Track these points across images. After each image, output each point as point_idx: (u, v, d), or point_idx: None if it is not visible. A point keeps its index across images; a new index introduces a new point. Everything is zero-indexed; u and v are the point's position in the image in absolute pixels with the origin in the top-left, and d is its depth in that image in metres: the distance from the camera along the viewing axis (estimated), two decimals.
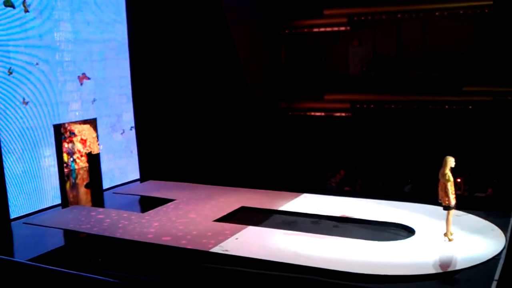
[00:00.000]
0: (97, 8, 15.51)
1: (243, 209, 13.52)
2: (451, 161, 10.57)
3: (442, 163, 10.62)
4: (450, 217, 10.65)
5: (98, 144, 15.05)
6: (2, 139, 12.89)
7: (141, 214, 13.40)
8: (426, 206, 12.81)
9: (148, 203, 14.32)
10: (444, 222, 10.80)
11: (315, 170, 17.26)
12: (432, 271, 9.51)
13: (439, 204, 10.90)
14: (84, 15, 15.08)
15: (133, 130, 17.01)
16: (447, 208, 10.63)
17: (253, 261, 10.15)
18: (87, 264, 9.67)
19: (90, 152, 16.12)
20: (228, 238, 11.27)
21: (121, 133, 16.61)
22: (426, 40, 18.73)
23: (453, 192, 10.59)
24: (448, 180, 10.50)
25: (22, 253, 11.13)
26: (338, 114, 19.32)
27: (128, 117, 16.88)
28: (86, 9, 15.14)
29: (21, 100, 13.37)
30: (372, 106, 18.70)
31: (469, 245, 10.50)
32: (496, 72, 17.16)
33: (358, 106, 18.87)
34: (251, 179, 15.27)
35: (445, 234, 10.76)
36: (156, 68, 17.58)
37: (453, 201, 10.59)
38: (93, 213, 13.47)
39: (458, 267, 9.58)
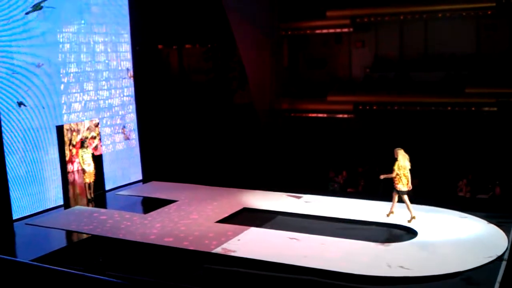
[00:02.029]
0: (100, 10, 15.52)
1: (245, 210, 13.52)
2: None
3: (396, 156, 11.81)
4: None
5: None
6: (4, 140, 12.91)
7: (143, 215, 13.41)
8: (428, 207, 12.80)
9: (150, 204, 14.33)
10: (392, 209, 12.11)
11: (317, 171, 17.25)
12: (434, 272, 9.48)
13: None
14: (87, 17, 15.09)
15: (136, 132, 17.02)
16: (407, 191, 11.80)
17: (255, 262, 10.15)
18: (95, 262, 9.67)
19: (93, 153, 16.11)
20: (230, 239, 11.27)
21: (124, 135, 16.63)
22: (429, 41, 18.71)
23: None
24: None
25: (25, 253, 11.15)
26: (340, 115, 19.29)
27: (131, 118, 16.88)
28: (89, 11, 15.15)
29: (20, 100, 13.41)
30: (374, 107, 18.67)
31: (472, 247, 10.49)
32: (499, 73, 17.13)
33: (360, 107, 18.84)
34: (254, 180, 15.27)
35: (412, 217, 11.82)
36: (159, 70, 17.62)
37: None
38: (96, 214, 13.49)
39: (461, 268, 9.56)
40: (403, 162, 11.76)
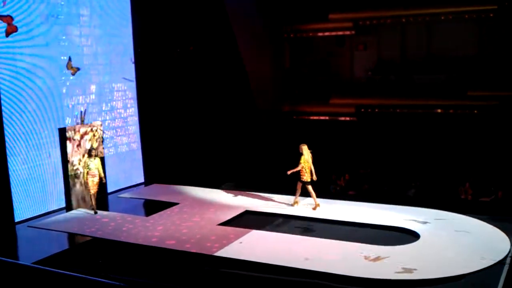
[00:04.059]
0: (103, 12, 15.55)
1: (247, 213, 13.51)
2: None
3: (301, 151, 13.25)
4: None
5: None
6: (7, 143, 12.92)
7: (145, 217, 13.41)
8: (430, 210, 12.79)
9: (152, 207, 14.33)
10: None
11: (319, 174, 17.20)
12: (437, 275, 9.46)
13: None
14: (89, 19, 15.11)
15: (138, 134, 17.04)
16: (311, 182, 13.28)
17: (257, 265, 10.14)
18: (96, 264, 9.69)
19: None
20: (232, 242, 11.26)
21: (126, 137, 16.65)
22: (431, 44, 18.70)
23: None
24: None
25: (27, 256, 11.15)
26: (343, 118, 19.29)
27: (133, 121, 16.90)
28: (92, 13, 15.18)
29: (28, 103, 13.43)
30: (377, 110, 18.66)
31: (474, 250, 10.46)
32: (501, 76, 17.11)
33: (363, 110, 18.83)
34: (255, 182, 15.26)
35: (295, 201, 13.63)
36: (161, 72, 17.63)
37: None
38: (98, 217, 13.48)
39: (464, 271, 9.53)
40: (307, 156, 13.25)
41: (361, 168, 17.26)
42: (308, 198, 14.00)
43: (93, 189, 13.57)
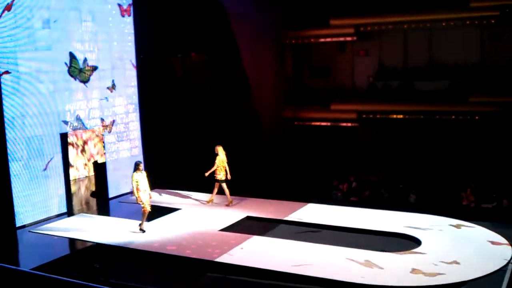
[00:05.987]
0: (105, 18, 15.57)
1: (248, 219, 13.49)
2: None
3: (216, 152, 14.10)
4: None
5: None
6: (8, 148, 12.92)
7: (146, 223, 13.36)
8: (432, 216, 12.77)
9: (153, 212, 14.26)
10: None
11: (321, 180, 17.21)
12: (438, 282, 9.44)
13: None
14: (91, 25, 15.14)
15: (140, 140, 17.03)
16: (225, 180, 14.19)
17: (258, 271, 10.12)
18: (91, 269, 9.68)
19: (96, 161, 16.08)
20: (234, 247, 11.25)
21: (128, 142, 16.65)
22: (433, 50, 18.73)
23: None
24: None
25: (28, 261, 11.13)
26: (344, 124, 19.30)
27: (135, 126, 16.89)
28: (93, 20, 15.20)
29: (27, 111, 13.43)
30: (378, 116, 18.66)
31: (476, 256, 10.44)
32: (503, 82, 17.12)
33: (364, 116, 18.84)
34: (257, 188, 15.28)
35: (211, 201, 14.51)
36: (163, 78, 17.66)
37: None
38: (99, 222, 13.47)
39: (465, 278, 9.51)
40: (222, 156, 14.14)
41: (362, 174, 17.24)
42: (311, 204, 14.03)
43: (148, 206, 12.56)
